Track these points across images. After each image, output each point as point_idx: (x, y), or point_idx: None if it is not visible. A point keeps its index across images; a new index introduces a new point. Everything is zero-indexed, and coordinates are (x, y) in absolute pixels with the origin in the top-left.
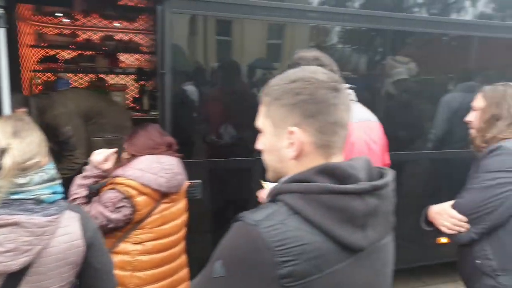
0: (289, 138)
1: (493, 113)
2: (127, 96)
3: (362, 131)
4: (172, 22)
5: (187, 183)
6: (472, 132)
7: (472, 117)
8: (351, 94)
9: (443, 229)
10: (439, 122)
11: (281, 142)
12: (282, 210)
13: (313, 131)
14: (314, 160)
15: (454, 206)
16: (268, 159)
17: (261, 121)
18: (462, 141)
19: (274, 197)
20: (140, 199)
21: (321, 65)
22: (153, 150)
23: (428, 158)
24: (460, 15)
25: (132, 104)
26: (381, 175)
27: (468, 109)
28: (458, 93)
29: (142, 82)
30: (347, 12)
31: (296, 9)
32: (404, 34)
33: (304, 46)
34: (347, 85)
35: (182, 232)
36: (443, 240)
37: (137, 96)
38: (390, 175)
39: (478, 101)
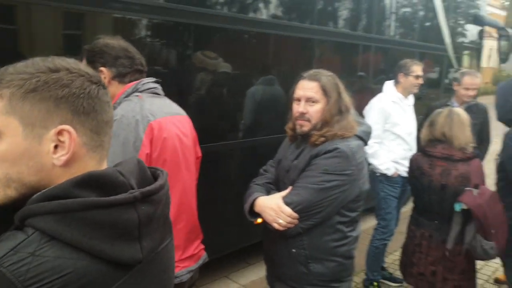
0: (54, 140)
1: (334, 109)
2: None
3: (173, 126)
4: None
5: None
6: (306, 125)
7: (305, 109)
8: (158, 88)
9: (276, 226)
10: (246, 113)
11: (40, 146)
12: (33, 238)
13: (86, 131)
14: (87, 166)
15: (288, 204)
16: (8, 172)
17: None
18: (268, 128)
19: (20, 222)
20: None
21: (130, 57)
22: None
23: (239, 147)
24: (260, 14)
25: None
26: (154, 177)
27: (269, 99)
28: (261, 86)
29: None
30: (152, 4)
31: None
32: (211, 29)
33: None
34: (154, 79)
35: None
36: (260, 220)
37: None
38: (163, 177)
39: (317, 94)
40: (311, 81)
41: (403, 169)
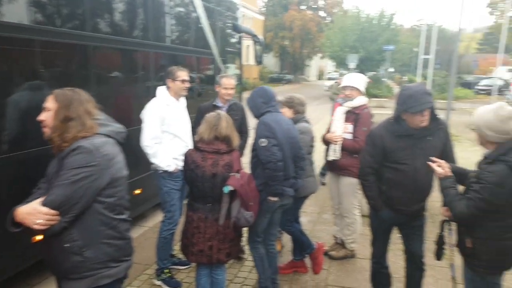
0: None
1: (65, 115)
2: None
3: None
4: None
5: None
6: (47, 131)
7: (44, 117)
8: None
9: (37, 227)
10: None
11: None
12: None
13: None
14: None
15: (45, 204)
16: None
17: None
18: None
19: None
20: None
21: None
22: None
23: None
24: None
25: None
26: None
27: (36, 107)
28: (26, 92)
29: None
30: None
31: None
32: None
33: None
34: None
35: None
36: (39, 237)
37: None
38: None
39: (50, 103)
40: (50, 95)
41: (182, 164)
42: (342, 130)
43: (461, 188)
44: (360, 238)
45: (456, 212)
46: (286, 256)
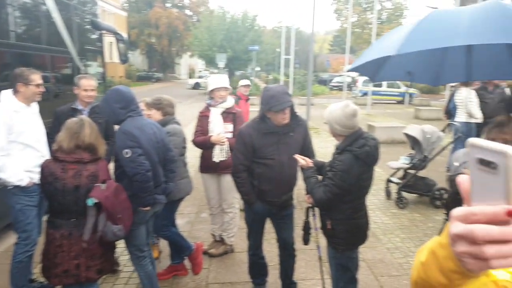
0: None
1: None
2: None
3: None
4: None
5: None
6: None
7: None
8: None
9: None
10: None
11: None
12: None
13: None
14: None
15: None
16: None
17: None
18: None
19: None
20: None
21: None
22: None
23: None
24: None
25: None
26: None
27: None
28: None
29: None
30: None
31: None
32: None
33: None
34: None
35: None
36: None
37: None
38: None
39: None
40: None
41: (38, 177)
42: (223, 130)
43: (321, 178)
44: (237, 232)
45: (316, 198)
46: (164, 262)
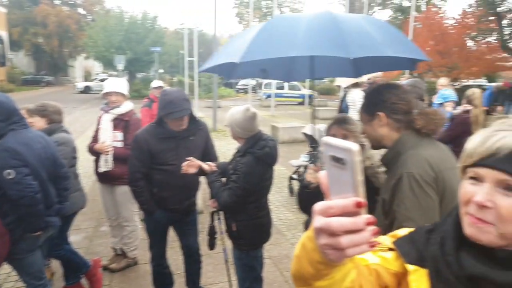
0: None
1: None
2: None
3: None
4: None
5: None
6: None
7: None
8: None
9: None
10: None
11: None
12: None
13: None
14: None
15: None
16: None
17: None
18: None
19: None
20: None
21: None
22: None
23: None
24: None
25: None
26: None
27: None
28: None
29: None
30: None
31: None
32: None
33: None
34: None
35: None
36: None
37: None
38: None
39: None
40: None
41: None
42: (111, 139)
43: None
44: (140, 243)
45: (221, 202)
46: (58, 283)
